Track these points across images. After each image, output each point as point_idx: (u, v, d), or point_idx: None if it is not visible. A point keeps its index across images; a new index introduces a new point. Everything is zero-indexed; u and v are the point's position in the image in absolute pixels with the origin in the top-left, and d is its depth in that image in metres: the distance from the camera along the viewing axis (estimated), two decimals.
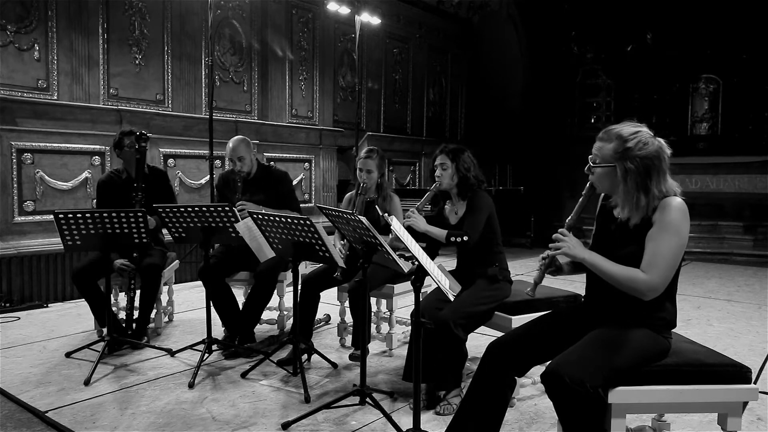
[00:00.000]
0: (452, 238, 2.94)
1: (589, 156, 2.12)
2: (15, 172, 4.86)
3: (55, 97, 5.28)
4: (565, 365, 1.87)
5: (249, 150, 3.86)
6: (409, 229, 2.93)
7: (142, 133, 3.83)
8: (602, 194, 2.22)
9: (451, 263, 3.25)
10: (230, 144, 3.84)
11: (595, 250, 2.08)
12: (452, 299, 2.28)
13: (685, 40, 9.64)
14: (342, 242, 3.53)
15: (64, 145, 5.15)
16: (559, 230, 2.08)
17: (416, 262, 2.21)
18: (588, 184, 2.14)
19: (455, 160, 3.04)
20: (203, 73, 6.44)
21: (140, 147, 3.81)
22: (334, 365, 3.39)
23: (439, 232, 2.98)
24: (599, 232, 2.22)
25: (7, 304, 4.67)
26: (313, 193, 7.44)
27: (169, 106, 6.18)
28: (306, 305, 3.50)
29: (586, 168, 2.12)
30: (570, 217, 2.15)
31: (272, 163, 6.68)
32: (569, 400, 1.84)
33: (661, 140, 2.03)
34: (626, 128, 2.04)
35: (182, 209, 3.29)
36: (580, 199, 2.15)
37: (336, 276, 3.39)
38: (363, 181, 3.59)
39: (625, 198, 2.02)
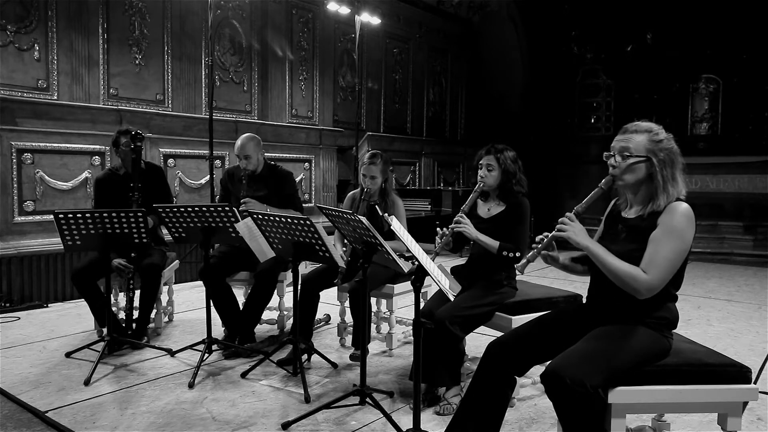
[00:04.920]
0: (504, 252, 2.83)
1: (606, 154, 2.09)
2: (15, 172, 4.86)
3: (55, 97, 5.28)
4: (565, 365, 1.87)
5: (257, 149, 3.86)
6: (459, 235, 2.90)
7: (138, 133, 3.83)
8: (613, 199, 2.23)
9: (450, 263, 3.25)
10: (239, 141, 3.85)
11: None
12: (452, 299, 2.28)
13: (685, 40, 9.65)
14: (344, 249, 3.51)
15: (64, 145, 5.14)
16: (567, 215, 2.05)
17: (416, 262, 2.21)
18: (607, 177, 2.07)
19: (502, 162, 2.95)
20: (203, 73, 6.44)
21: (135, 146, 3.80)
22: (334, 365, 3.39)
23: (491, 242, 2.87)
24: (605, 234, 2.22)
25: (7, 304, 4.67)
26: (313, 193, 7.44)
27: (169, 106, 6.18)
28: (305, 305, 3.49)
29: (609, 161, 2.08)
30: (580, 205, 2.09)
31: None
32: (569, 401, 1.84)
33: None
34: (650, 123, 2.08)
35: (182, 209, 3.29)
36: (596, 190, 2.09)
37: (336, 282, 3.36)
38: (367, 187, 3.54)
39: (662, 189, 2.01)
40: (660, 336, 2.02)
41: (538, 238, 2.12)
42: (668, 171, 2.01)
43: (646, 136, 2.03)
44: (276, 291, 3.78)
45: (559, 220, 2.06)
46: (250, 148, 3.82)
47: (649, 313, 2.02)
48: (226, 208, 3.22)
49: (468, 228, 2.86)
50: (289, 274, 3.74)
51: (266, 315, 4.02)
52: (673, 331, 2.10)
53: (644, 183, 2.05)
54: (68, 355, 3.52)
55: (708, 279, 6.41)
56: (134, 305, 3.76)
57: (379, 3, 8.69)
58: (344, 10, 7.74)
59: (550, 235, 2.09)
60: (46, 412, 2.73)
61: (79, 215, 3.20)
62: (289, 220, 2.83)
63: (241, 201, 3.67)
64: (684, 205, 1.98)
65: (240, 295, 3.87)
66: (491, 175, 2.96)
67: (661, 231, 1.96)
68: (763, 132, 9.39)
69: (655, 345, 2.00)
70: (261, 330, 4.02)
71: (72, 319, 4.46)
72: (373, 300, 3.77)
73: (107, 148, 5.32)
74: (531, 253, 2.10)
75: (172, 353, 3.56)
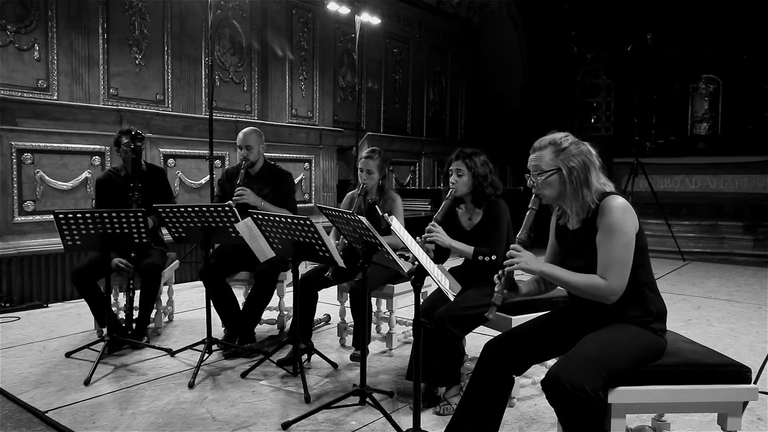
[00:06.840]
0: (480, 257, 2.84)
1: (526, 174, 2.13)
2: (15, 172, 4.86)
3: (55, 97, 5.28)
4: (564, 371, 1.87)
5: (259, 141, 3.91)
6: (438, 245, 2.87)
7: (138, 133, 3.83)
8: (555, 212, 2.24)
9: (449, 264, 3.25)
10: (241, 133, 3.90)
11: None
12: (452, 299, 2.28)
13: (685, 40, 9.65)
14: (336, 242, 3.50)
15: (64, 145, 5.14)
16: (512, 246, 2.09)
17: (416, 262, 2.21)
18: (533, 197, 2.12)
19: (472, 167, 2.94)
20: (203, 73, 6.44)
21: (135, 146, 3.81)
22: (334, 365, 3.39)
23: (466, 249, 2.87)
24: (562, 250, 2.23)
25: (7, 304, 4.67)
26: (313, 193, 7.44)
27: (169, 106, 6.18)
28: (304, 304, 3.48)
29: (528, 182, 2.13)
30: (520, 232, 2.13)
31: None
32: (571, 406, 1.84)
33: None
34: (555, 134, 2.11)
35: (182, 209, 3.29)
36: (527, 214, 2.13)
37: (327, 275, 3.35)
38: (363, 182, 3.57)
39: (573, 198, 2.06)
40: (653, 334, 2.02)
41: (495, 278, 2.11)
42: (580, 176, 2.03)
43: (551, 149, 2.07)
44: (276, 291, 3.79)
45: (507, 254, 2.08)
46: (252, 138, 3.87)
47: (632, 310, 2.03)
48: (226, 208, 3.22)
49: (440, 236, 2.84)
50: (289, 274, 3.74)
51: (266, 315, 4.02)
52: (674, 330, 2.10)
53: (567, 186, 2.06)
54: (68, 355, 3.52)
55: (708, 279, 6.41)
56: (134, 305, 3.77)
57: (379, 3, 8.69)
58: (344, 10, 7.74)
59: (504, 272, 2.08)
60: (46, 412, 2.73)
61: (79, 215, 3.20)
62: (289, 220, 2.84)
63: (236, 191, 3.67)
64: (615, 200, 2.00)
65: (240, 295, 3.87)
66: (461, 181, 2.94)
67: (602, 233, 1.99)
68: (763, 132, 9.39)
69: (651, 344, 2.01)
70: (261, 330, 4.02)
71: (72, 319, 4.46)
72: (373, 300, 3.77)
73: (107, 148, 5.32)
74: (495, 296, 2.08)
75: (172, 353, 3.56)
